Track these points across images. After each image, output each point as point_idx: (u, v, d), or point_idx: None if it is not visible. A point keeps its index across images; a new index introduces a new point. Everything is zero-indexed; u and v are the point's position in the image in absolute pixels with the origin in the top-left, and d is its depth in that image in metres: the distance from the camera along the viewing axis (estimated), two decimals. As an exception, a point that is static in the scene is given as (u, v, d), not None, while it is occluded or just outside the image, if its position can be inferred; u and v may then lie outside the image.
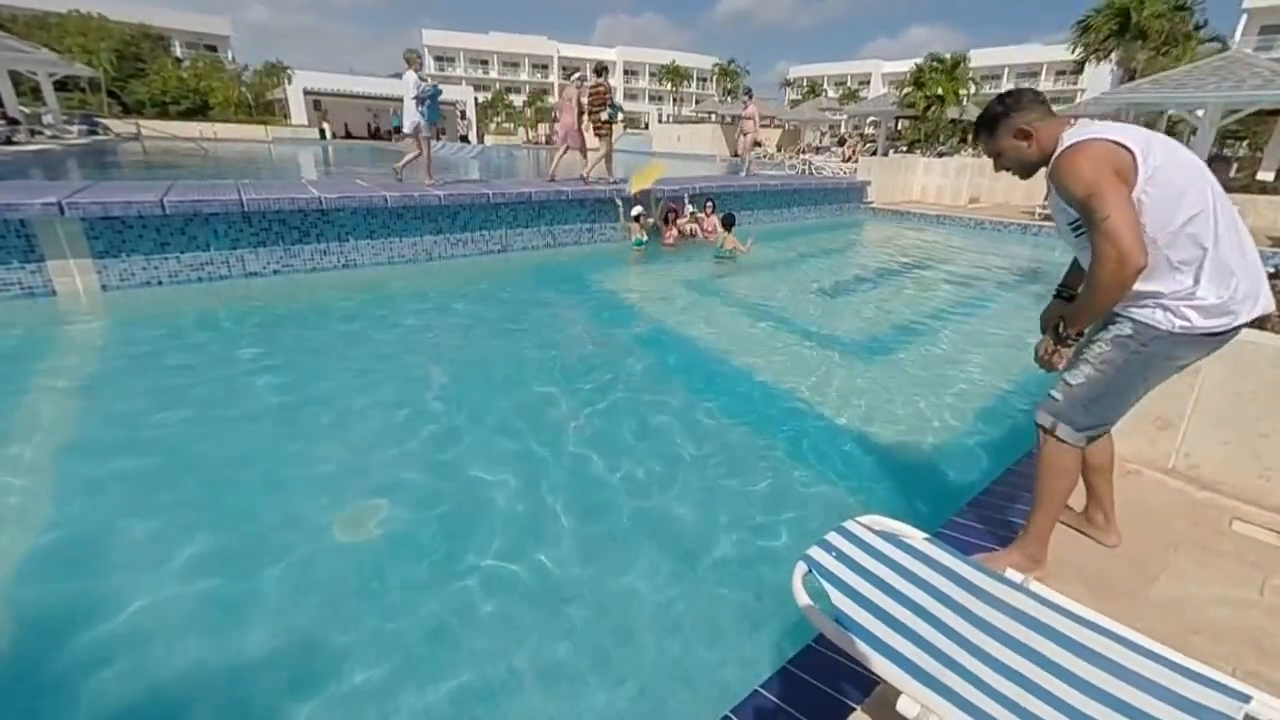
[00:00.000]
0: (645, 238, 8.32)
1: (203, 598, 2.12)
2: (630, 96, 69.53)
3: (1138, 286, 1.60)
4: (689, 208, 9.12)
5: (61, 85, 24.11)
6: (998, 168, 1.87)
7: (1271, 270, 3.26)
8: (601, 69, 9.44)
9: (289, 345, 4.53)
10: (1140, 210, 1.55)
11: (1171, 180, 1.56)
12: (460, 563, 2.34)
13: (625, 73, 69.73)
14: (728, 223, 8.56)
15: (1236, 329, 1.65)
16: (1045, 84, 56.47)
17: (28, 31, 26.86)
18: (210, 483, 2.76)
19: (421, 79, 7.64)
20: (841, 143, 22.52)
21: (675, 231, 8.63)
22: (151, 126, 26.62)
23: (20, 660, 1.88)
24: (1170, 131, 13.05)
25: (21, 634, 1.97)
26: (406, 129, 8.02)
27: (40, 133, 18.11)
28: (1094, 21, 21.29)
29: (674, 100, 65.12)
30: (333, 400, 3.62)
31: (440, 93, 8.14)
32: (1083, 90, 40.78)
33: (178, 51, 40.80)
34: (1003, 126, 1.75)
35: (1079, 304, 1.72)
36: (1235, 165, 20.48)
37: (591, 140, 9.37)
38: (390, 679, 1.84)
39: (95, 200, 5.15)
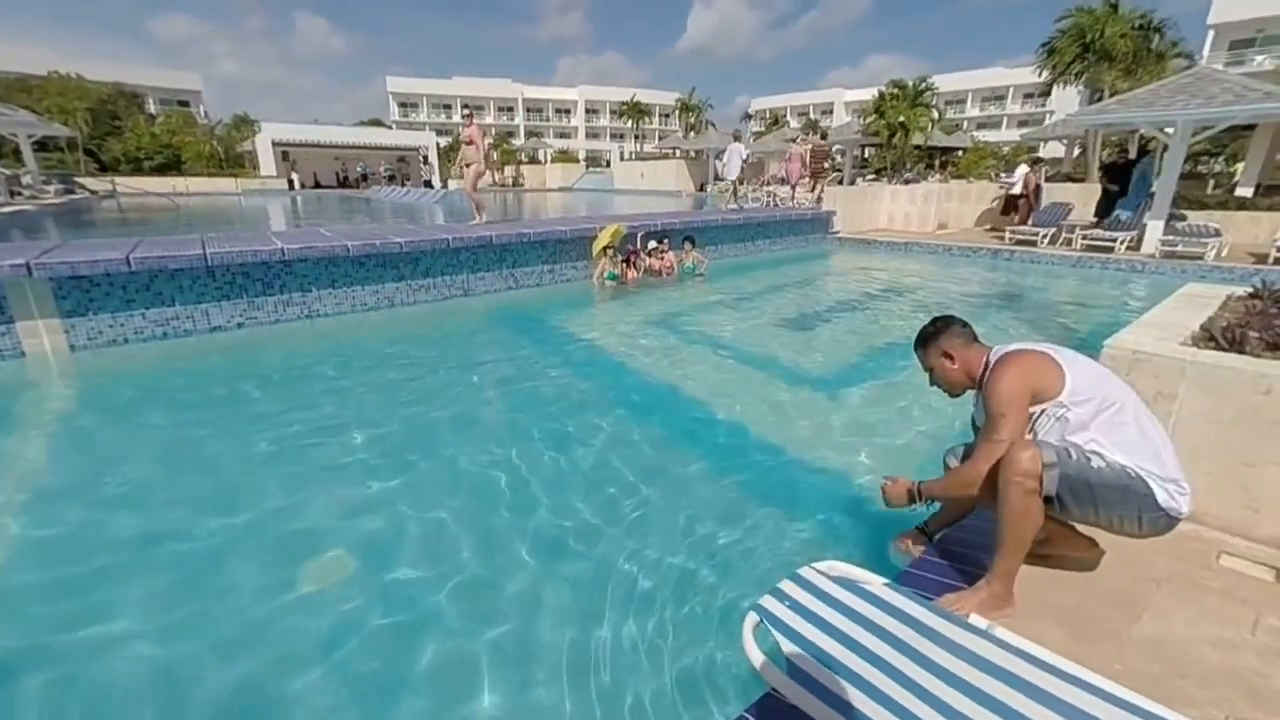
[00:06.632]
0: (616, 270, 8.54)
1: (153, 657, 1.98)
2: (592, 135, 70.53)
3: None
4: (650, 244, 9.27)
5: (41, 146, 24.19)
6: (931, 382, 2.20)
7: (1250, 290, 3.29)
8: (825, 134, 14.00)
9: (252, 398, 4.41)
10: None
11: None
12: (413, 608, 2.32)
13: (587, 111, 70.96)
14: (690, 242, 9.49)
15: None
16: (1013, 107, 57.02)
17: (8, 94, 26.98)
18: (167, 537, 2.62)
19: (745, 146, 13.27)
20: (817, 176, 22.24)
21: (633, 271, 8.85)
22: (126, 183, 26.57)
23: None
24: (1143, 150, 13.34)
25: None
26: (733, 177, 14.58)
27: (19, 193, 18.03)
28: (1059, 44, 21.17)
29: (635, 137, 65.23)
30: (303, 453, 3.54)
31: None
32: (1051, 112, 41.63)
33: (152, 108, 41.12)
34: (933, 345, 2.13)
35: (940, 483, 2.11)
36: (1212, 182, 20.95)
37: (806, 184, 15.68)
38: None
39: (63, 260, 5.06)
